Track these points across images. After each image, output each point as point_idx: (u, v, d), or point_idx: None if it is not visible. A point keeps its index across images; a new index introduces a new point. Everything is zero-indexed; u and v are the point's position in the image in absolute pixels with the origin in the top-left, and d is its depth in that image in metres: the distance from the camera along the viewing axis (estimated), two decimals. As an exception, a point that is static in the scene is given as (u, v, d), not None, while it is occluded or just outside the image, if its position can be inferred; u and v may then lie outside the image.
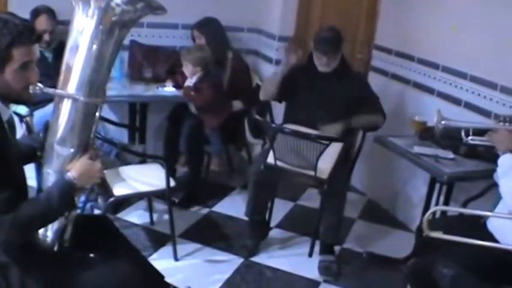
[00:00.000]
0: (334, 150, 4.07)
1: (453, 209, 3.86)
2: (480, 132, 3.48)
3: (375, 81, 5.12)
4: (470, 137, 3.42)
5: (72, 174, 2.31)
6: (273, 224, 4.72)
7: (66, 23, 2.38)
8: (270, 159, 4.15)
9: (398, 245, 4.56)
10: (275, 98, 4.61)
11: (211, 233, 4.58)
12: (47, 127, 2.43)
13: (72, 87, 2.30)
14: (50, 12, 4.80)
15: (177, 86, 4.99)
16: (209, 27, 5.17)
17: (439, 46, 4.67)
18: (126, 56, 5.14)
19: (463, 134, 3.45)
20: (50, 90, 2.29)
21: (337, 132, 4.28)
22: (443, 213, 4.01)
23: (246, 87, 5.28)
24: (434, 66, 4.69)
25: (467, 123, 3.65)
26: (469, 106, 4.37)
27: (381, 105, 4.48)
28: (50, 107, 4.23)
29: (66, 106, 2.34)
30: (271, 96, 4.56)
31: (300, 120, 4.33)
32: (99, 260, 2.59)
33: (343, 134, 4.34)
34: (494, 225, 3.26)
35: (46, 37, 4.71)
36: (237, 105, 5.07)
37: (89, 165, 2.37)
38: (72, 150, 2.36)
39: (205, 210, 4.93)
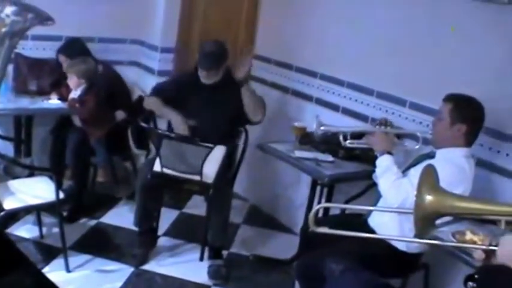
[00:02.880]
0: (218, 154, 4.18)
1: (339, 206, 4.06)
2: (358, 135, 3.69)
3: (255, 90, 5.26)
4: (348, 141, 3.61)
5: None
6: (160, 232, 4.78)
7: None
8: (157, 167, 4.22)
9: (283, 248, 4.73)
10: None
11: (101, 244, 4.58)
12: None
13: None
14: None
15: (62, 98, 4.95)
16: (73, 48, 5.15)
17: (316, 55, 4.87)
18: (10, 69, 5.04)
19: (341, 138, 3.65)
20: None
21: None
22: (326, 213, 4.21)
23: (125, 95, 5.34)
24: (312, 74, 4.90)
25: (345, 127, 3.85)
26: (347, 111, 4.59)
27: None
28: None
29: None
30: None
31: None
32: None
33: (226, 137, 4.45)
34: (375, 222, 3.48)
35: None
36: (120, 115, 5.09)
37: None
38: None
39: (93, 222, 4.91)
